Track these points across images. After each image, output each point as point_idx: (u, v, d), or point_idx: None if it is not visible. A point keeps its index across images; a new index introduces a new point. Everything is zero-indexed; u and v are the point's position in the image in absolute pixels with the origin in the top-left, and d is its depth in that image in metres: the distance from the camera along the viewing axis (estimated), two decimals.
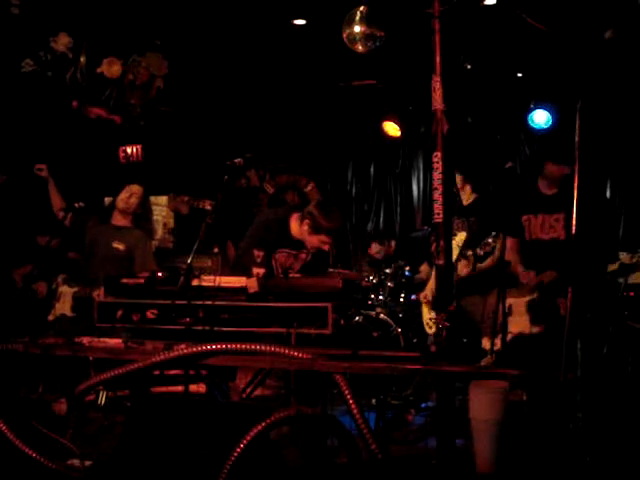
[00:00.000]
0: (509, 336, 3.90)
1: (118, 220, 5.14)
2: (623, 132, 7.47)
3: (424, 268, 5.65)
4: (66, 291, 4.76)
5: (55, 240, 5.16)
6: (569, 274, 3.45)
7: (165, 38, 6.53)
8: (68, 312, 4.67)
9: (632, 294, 4.91)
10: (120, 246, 5.01)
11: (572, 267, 3.19)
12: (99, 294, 4.25)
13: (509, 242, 4.18)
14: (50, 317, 4.75)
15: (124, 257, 4.99)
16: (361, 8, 5.06)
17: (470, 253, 4.71)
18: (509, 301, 3.96)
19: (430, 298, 5.13)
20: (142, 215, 5.26)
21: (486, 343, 4.11)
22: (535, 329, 3.88)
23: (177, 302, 3.55)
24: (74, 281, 4.80)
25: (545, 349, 3.70)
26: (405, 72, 7.01)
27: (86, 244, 5.11)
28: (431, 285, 5.09)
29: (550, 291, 3.96)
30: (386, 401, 4.96)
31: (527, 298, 3.97)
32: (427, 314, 5.37)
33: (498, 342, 4.01)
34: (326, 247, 4.49)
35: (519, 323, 3.94)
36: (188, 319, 3.48)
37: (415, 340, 5.72)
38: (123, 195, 5.12)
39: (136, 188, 5.14)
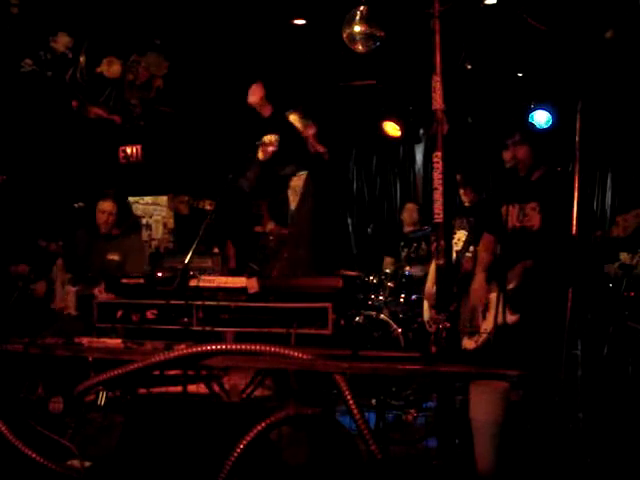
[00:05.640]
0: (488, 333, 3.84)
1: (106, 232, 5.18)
2: (623, 132, 7.47)
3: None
4: (69, 289, 4.75)
5: (54, 244, 5.16)
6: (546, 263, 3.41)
7: (165, 38, 6.52)
8: (73, 310, 4.66)
9: (632, 294, 4.90)
10: (115, 257, 5.06)
11: (572, 267, 3.19)
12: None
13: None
14: (54, 305, 4.77)
15: (120, 266, 5.02)
16: (361, 8, 5.06)
17: (472, 249, 4.71)
18: (489, 295, 3.91)
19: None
20: (123, 219, 5.29)
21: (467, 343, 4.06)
22: (512, 318, 3.77)
23: (176, 302, 3.55)
24: (75, 280, 4.80)
25: (523, 338, 3.65)
26: (405, 72, 7.00)
27: (79, 256, 5.11)
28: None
29: (527, 280, 3.84)
30: (386, 401, 4.95)
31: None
32: (428, 312, 5.35)
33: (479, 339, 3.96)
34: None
35: (496, 316, 3.87)
36: (186, 319, 3.48)
37: (415, 340, 5.71)
38: (101, 219, 5.17)
39: (109, 206, 5.19)
